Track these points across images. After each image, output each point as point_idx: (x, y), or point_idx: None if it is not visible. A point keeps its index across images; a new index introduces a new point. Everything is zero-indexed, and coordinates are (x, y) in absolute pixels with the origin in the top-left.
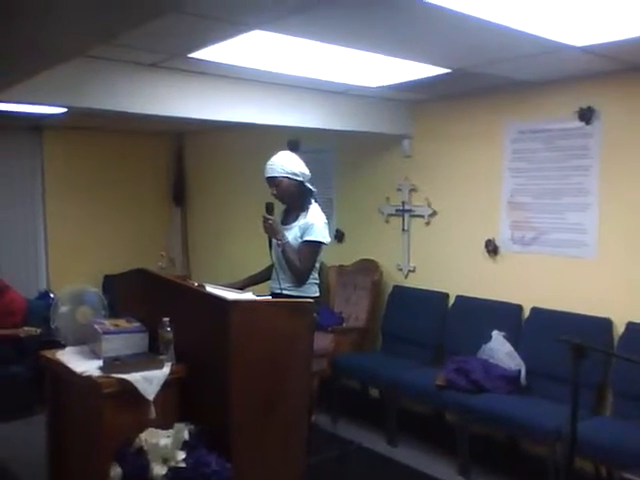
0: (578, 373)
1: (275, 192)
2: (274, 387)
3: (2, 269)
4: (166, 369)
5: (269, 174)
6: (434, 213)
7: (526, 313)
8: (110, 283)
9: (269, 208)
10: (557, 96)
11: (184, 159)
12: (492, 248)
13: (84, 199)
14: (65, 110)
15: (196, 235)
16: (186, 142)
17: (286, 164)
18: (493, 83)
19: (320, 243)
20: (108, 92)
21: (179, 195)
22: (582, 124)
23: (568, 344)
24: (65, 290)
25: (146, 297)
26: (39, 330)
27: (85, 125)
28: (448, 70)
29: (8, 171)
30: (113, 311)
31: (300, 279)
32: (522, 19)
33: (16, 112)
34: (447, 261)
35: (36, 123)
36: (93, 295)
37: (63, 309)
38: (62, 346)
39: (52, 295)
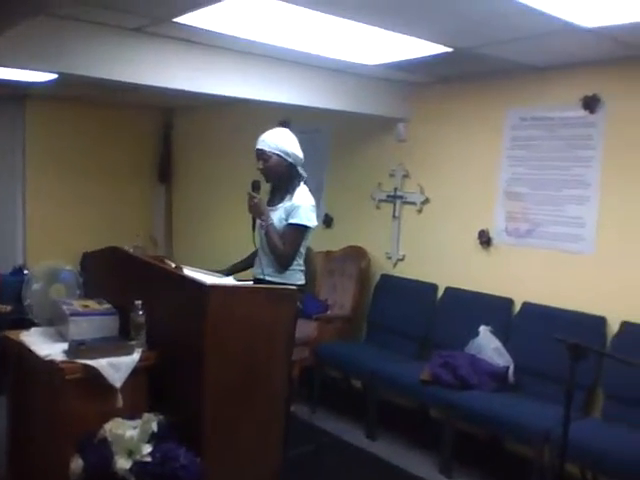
0: (574, 374)
1: (261, 167)
2: (251, 377)
3: None
4: (136, 355)
5: (259, 146)
6: (427, 201)
7: (517, 308)
8: (88, 261)
9: (255, 186)
10: (561, 83)
11: (171, 136)
12: (485, 239)
13: (66, 173)
14: (48, 79)
15: (181, 215)
16: (174, 118)
17: (280, 141)
18: (495, 66)
19: (306, 227)
20: (90, 57)
21: (164, 173)
22: (586, 113)
23: (564, 344)
24: (39, 266)
25: (119, 278)
26: (9, 307)
27: (69, 96)
28: (450, 49)
29: None
30: (88, 291)
31: (283, 264)
32: None
33: None
34: (438, 251)
35: (18, 92)
36: (68, 273)
37: (36, 286)
38: (35, 325)
39: (26, 271)
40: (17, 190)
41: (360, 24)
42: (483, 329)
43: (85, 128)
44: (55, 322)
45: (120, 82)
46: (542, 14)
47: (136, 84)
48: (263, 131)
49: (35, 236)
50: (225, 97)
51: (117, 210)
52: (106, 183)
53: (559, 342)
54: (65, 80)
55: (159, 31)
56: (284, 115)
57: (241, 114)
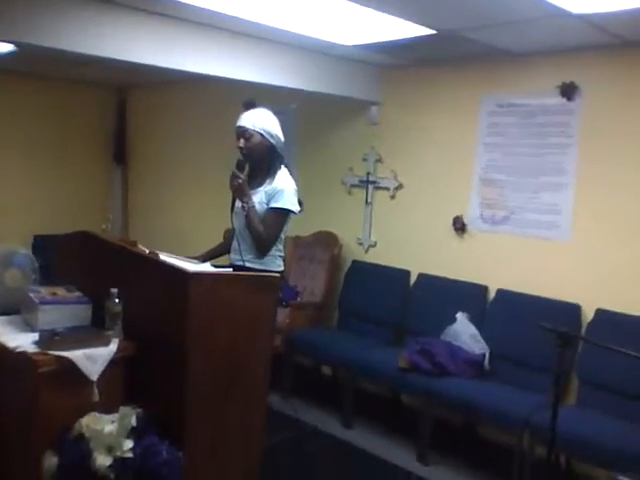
0: (563, 362)
1: (242, 145)
2: (233, 367)
3: None
4: (113, 346)
5: (242, 123)
6: (400, 186)
7: (492, 295)
8: (41, 244)
9: (240, 165)
10: (539, 69)
11: (127, 114)
12: (460, 226)
13: (15, 152)
14: None
15: (138, 197)
16: (130, 96)
17: (263, 121)
18: (472, 51)
19: (288, 211)
20: (42, 25)
21: (120, 153)
22: (563, 100)
23: (553, 332)
24: None
25: (89, 264)
26: None
27: (20, 70)
28: (433, 31)
29: None
30: (46, 276)
31: (262, 249)
32: None
33: None
34: (411, 237)
35: None
36: (23, 257)
37: None
38: None
39: None
40: None
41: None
42: (460, 316)
43: (37, 104)
44: (22, 310)
45: (74, 53)
46: None
47: (91, 56)
48: (226, 110)
49: None
50: (186, 73)
51: (70, 191)
52: (58, 163)
53: (546, 330)
54: (17, 53)
55: (128, 2)
56: (248, 95)
57: (202, 93)
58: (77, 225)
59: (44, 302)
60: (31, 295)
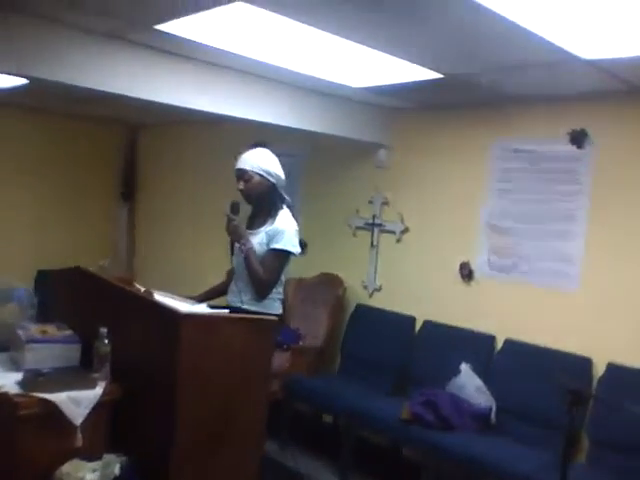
0: (573, 422)
1: (242, 187)
2: (225, 415)
3: None
4: (99, 389)
5: (240, 165)
6: (406, 230)
7: (499, 344)
8: (43, 279)
9: (234, 207)
10: (548, 115)
11: (136, 152)
12: (467, 272)
13: (23, 185)
14: (9, 85)
15: (144, 235)
16: (140, 135)
17: (262, 161)
18: (481, 96)
19: (289, 253)
20: (57, 60)
21: (128, 190)
22: (573, 148)
23: (563, 389)
24: None
25: (82, 301)
26: None
27: (32, 105)
28: (440, 75)
29: None
30: (44, 312)
31: (261, 292)
32: (533, 18)
33: None
34: (417, 282)
35: None
36: (22, 292)
37: None
38: None
39: None
40: None
41: (348, 42)
42: (464, 367)
43: (46, 139)
44: (10, 347)
45: (86, 89)
46: (542, 41)
47: (103, 92)
48: (234, 151)
49: None
50: (196, 113)
51: (76, 227)
52: (66, 198)
53: (556, 386)
54: (29, 88)
55: (133, 38)
56: (258, 135)
57: (211, 133)
58: (82, 261)
59: (31, 340)
60: (19, 332)
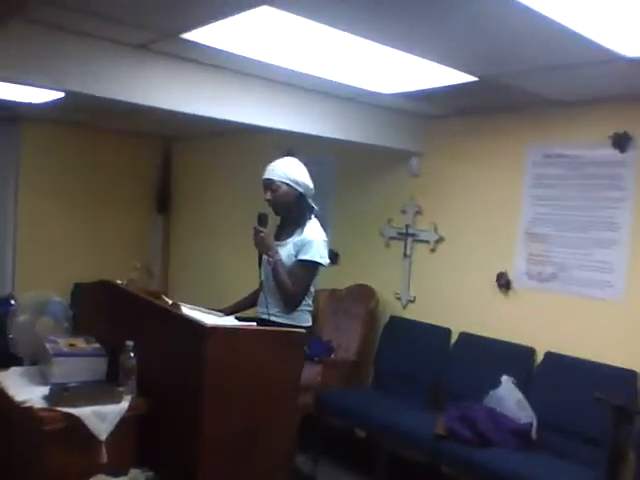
0: (618, 440)
1: (269, 197)
2: (252, 428)
3: None
4: (124, 404)
5: (267, 175)
6: (441, 239)
7: (539, 358)
8: (79, 293)
9: (262, 219)
10: (589, 118)
11: (171, 165)
12: (504, 282)
13: (60, 199)
14: (45, 100)
15: (179, 248)
16: (174, 148)
17: (289, 170)
18: (517, 100)
19: (318, 264)
20: (91, 73)
21: (163, 203)
22: (616, 152)
23: (607, 405)
24: (27, 297)
25: (109, 314)
26: None
27: (67, 120)
28: (475, 78)
29: None
30: (79, 326)
31: (290, 304)
32: (573, 16)
33: None
34: (452, 293)
35: (14, 113)
36: (57, 305)
37: (21, 318)
38: (18, 360)
39: (12, 302)
40: (8, 216)
41: (379, 45)
42: (505, 379)
43: (83, 154)
44: (39, 361)
45: (121, 102)
46: (583, 40)
47: (136, 105)
48: (266, 161)
49: (25, 264)
50: (229, 124)
51: (112, 239)
52: (102, 211)
53: (599, 402)
54: (64, 103)
55: (164, 49)
56: (287, 145)
57: (243, 144)
58: (117, 274)
59: (58, 354)
60: (47, 346)
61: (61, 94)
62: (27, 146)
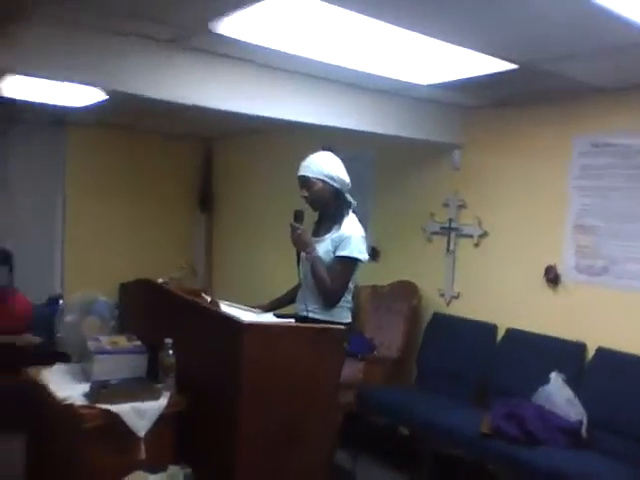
0: None
1: (306, 194)
2: (291, 427)
3: (16, 270)
4: (163, 400)
5: (302, 172)
6: (485, 234)
7: (590, 354)
8: (123, 292)
9: (298, 216)
10: (638, 105)
11: (212, 164)
12: (553, 276)
13: (105, 200)
14: (88, 103)
15: (222, 246)
16: (215, 147)
17: (324, 165)
18: (560, 87)
19: (356, 260)
20: (126, 72)
21: (205, 202)
22: None
23: None
24: (74, 297)
25: (150, 312)
26: (38, 339)
27: (111, 123)
28: (515, 66)
29: (28, 167)
30: (124, 324)
31: (329, 301)
32: None
33: (38, 103)
34: (498, 288)
35: (59, 117)
36: (103, 304)
37: (69, 318)
38: (67, 359)
39: (60, 301)
40: (57, 217)
41: (415, 34)
42: (555, 376)
43: (126, 156)
44: (83, 358)
45: (158, 101)
46: (627, 22)
47: (174, 103)
48: (305, 158)
49: (73, 264)
50: (268, 121)
51: (157, 239)
52: (147, 211)
53: None
54: (106, 106)
55: (197, 44)
56: (327, 139)
57: (282, 141)
58: (163, 274)
59: (100, 352)
60: (90, 344)
61: (103, 97)
62: (72, 149)
